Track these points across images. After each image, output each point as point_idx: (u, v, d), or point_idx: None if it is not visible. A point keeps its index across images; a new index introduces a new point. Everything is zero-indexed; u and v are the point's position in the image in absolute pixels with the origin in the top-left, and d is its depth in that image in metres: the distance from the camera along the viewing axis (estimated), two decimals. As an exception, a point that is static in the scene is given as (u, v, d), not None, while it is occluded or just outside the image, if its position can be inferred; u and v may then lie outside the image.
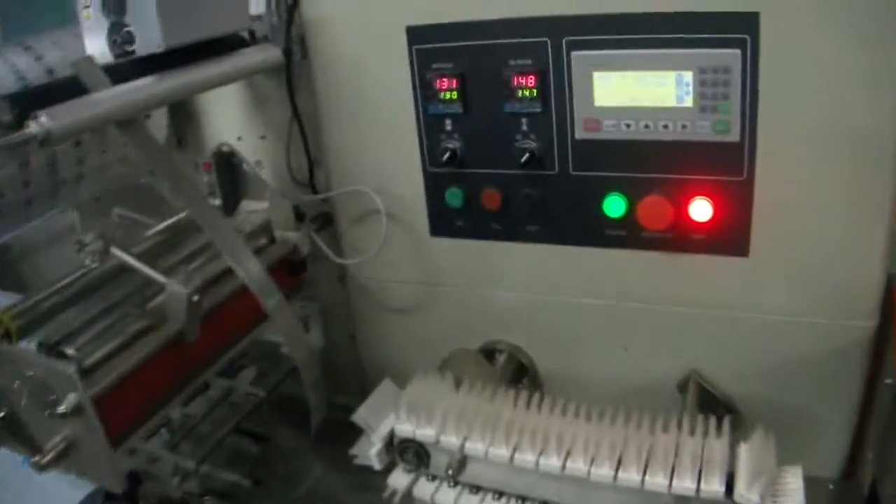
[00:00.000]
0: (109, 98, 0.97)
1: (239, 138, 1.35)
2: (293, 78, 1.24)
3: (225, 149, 1.26)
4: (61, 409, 0.89)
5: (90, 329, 1.03)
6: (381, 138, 1.23)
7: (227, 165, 1.29)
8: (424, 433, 0.97)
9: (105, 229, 1.12)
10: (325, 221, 1.34)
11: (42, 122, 0.88)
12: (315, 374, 1.16)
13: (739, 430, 0.93)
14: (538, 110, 1.09)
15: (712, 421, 0.91)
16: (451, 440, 0.96)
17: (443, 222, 1.24)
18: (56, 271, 1.10)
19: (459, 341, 1.30)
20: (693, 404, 1.12)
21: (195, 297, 0.99)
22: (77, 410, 0.89)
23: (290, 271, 1.29)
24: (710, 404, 1.15)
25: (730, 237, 1.06)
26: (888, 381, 1.00)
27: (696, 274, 1.10)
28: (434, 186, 1.22)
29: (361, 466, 1.07)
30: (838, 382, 1.09)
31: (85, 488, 1.27)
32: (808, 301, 1.06)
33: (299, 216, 1.29)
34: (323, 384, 1.20)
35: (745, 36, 0.95)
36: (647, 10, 0.98)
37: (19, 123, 0.89)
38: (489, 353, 1.29)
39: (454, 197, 1.19)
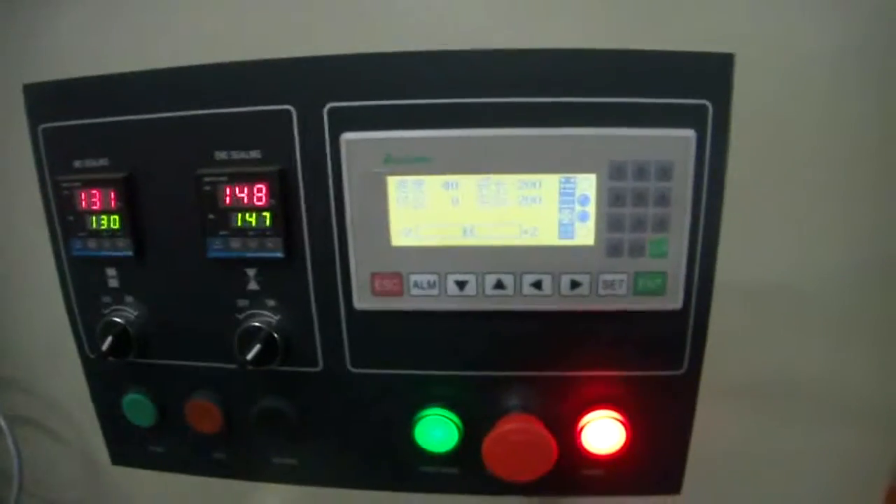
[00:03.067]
0: None
1: None
2: None
3: None
4: None
5: None
6: (9, 298, 0.67)
7: None
8: None
9: None
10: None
11: None
12: None
13: None
14: (276, 255, 0.55)
15: None
16: None
17: (128, 447, 0.68)
18: None
19: None
20: None
21: None
22: None
23: None
24: None
25: (651, 468, 0.61)
26: None
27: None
28: (102, 388, 0.65)
29: None
30: None
31: None
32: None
33: None
34: None
35: (705, 102, 0.48)
36: (507, 44, 0.50)
37: None
38: None
39: (138, 408, 0.64)
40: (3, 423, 0.65)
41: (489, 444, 0.54)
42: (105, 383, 0.64)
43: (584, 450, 0.57)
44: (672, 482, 0.61)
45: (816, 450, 0.60)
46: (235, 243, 0.55)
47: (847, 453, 0.60)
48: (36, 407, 0.69)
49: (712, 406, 0.58)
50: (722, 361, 0.56)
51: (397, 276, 0.53)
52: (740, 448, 0.61)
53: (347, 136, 0.51)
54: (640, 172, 0.49)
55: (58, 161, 0.58)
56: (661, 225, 0.50)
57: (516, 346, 0.55)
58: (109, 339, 0.58)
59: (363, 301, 0.54)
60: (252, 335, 0.56)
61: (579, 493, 0.61)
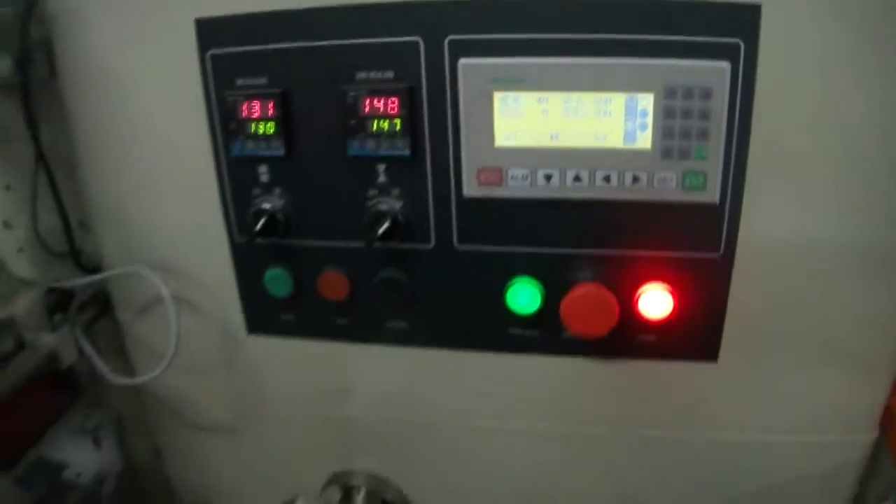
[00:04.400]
0: None
1: None
2: (32, 103, 0.80)
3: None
4: None
5: None
6: (166, 192, 0.81)
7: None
8: None
9: None
10: (101, 309, 0.91)
11: None
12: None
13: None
14: (404, 153, 0.70)
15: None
16: None
17: (264, 316, 0.83)
18: None
19: (298, 470, 0.93)
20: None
21: None
22: None
23: (56, 384, 0.90)
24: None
25: (693, 336, 0.75)
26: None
27: (642, 386, 0.79)
28: (247, 265, 0.81)
29: None
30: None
31: None
32: (795, 416, 0.79)
33: (60, 307, 0.85)
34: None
35: (738, 41, 0.62)
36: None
37: None
38: (345, 490, 0.90)
39: (278, 282, 0.79)
40: (167, 297, 0.81)
41: (566, 304, 0.70)
42: (249, 262, 0.80)
43: (640, 315, 0.72)
44: (710, 350, 0.75)
45: (839, 315, 0.72)
46: (370, 144, 0.70)
47: (875, 317, 0.72)
48: (184, 286, 0.84)
49: (745, 284, 0.71)
50: (753, 246, 0.69)
51: (498, 170, 0.69)
52: (770, 320, 0.73)
53: (463, 62, 0.66)
54: (687, 94, 0.64)
55: (223, 80, 0.73)
56: (703, 135, 0.65)
57: (589, 228, 0.70)
58: (263, 219, 0.74)
59: (471, 190, 0.70)
60: (380, 217, 0.71)
61: (635, 356, 0.76)
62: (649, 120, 0.65)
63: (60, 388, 0.93)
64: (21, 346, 0.84)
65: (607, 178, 0.67)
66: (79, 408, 0.98)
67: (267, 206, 0.75)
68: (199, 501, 1.05)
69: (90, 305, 0.91)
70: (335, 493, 0.90)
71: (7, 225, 0.88)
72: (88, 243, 0.91)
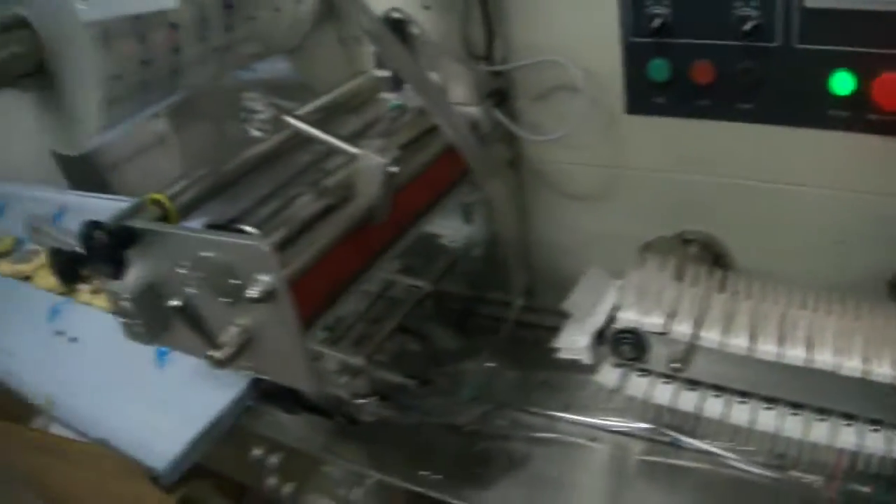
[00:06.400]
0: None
1: (394, 9, 1.23)
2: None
3: (395, 15, 1.16)
4: (251, 293, 0.77)
5: (263, 207, 0.96)
6: (572, 4, 1.13)
7: (396, 35, 1.19)
8: (652, 322, 0.90)
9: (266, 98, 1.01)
10: (500, 98, 1.24)
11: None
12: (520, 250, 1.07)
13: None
14: None
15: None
16: (683, 330, 0.88)
17: (642, 99, 1.14)
18: (146, 183, 1.03)
19: (644, 231, 1.23)
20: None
21: (393, 169, 0.92)
22: (268, 296, 0.78)
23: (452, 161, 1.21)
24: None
25: None
26: None
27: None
28: (635, 58, 1.11)
29: (537, 363, 1.06)
30: None
31: (230, 388, 1.21)
32: None
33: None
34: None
35: None
36: None
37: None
38: (683, 241, 1.21)
39: (659, 70, 1.08)
40: (579, 77, 1.15)
41: (877, 85, 0.93)
42: (636, 56, 1.10)
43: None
44: None
45: None
46: None
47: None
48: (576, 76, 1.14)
49: None
50: None
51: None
52: None
53: None
54: None
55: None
56: None
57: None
58: (660, 21, 1.04)
59: (811, 2, 0.94)
60: (743, 20, 0.98)
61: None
62: None
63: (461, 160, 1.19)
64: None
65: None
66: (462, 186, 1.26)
67: (658, 11, 1.05)
68: (551, 268, 1.37)
69: (493, 95, 1.24)
70: (672, 241, 1.21)
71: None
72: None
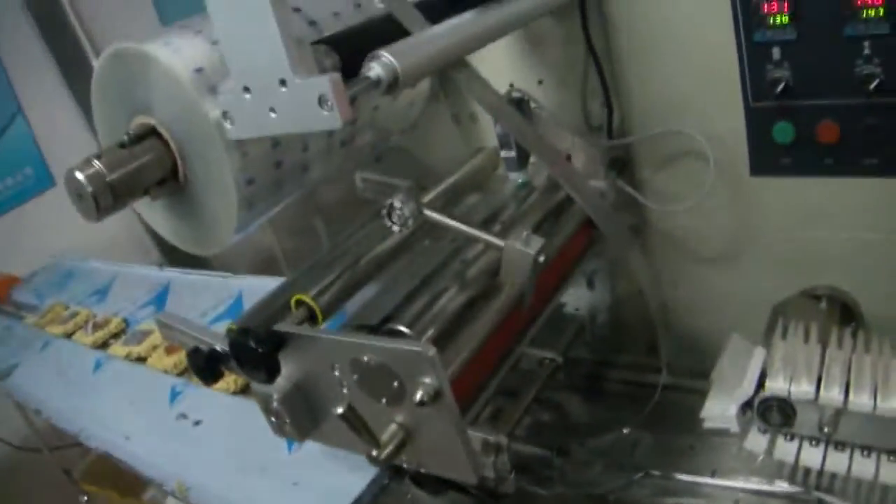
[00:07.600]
0: (444, 35, 0.84)
1: (511, 85, 1.27)
2: (588, 13, 1.15)
3: (516, 94, 1.19)
4: (416, 396, 0.78)
5: (410, 304, 0.98)
6: (693, 74, 1.15)
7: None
8: (801, 390, 0.90)
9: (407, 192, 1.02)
10: (622, 167, 1.26)
11: (386, 61, 0.72)
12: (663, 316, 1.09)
13: None
14: (884, 32, 0.96)
15: None
16: (833, 395, 0.88)
17: (767, 161, 1.15)
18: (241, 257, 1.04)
19: (770, 288, 1.22)
20: None
21: (541, 258, 0.94)
22: (432, 399, 0.79)
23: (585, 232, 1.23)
24: None
25: None
26: None
27: None
28: (759, 123, 1.12)
29: (677, 429, 1.08)
30: None
31: (363, 469, 1.20)
32: None
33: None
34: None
35: None
36: None
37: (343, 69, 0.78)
38: (812, 297, 1.21)
39: (783, 132, 1.10)
40: (707, 147, 1.16)
41: None
42: (760, 120, 1.11)
43: None
44: None
45: None
46: (860, 27, 0.97)
47: None
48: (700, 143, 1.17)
49: None
50: None
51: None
52: None
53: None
54: None
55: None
56: None
57: None
58: (781, 84, 1.06)
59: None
60: (868, 78, 0.98)
61: None
62: None
63: (589, 231, 1.23)
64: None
65: None
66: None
67: (779, 75, 1.06)
68: (677, 322, 1.37)
69: (615, 164, 1.26)
70: (805, 300, 1.20)
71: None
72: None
